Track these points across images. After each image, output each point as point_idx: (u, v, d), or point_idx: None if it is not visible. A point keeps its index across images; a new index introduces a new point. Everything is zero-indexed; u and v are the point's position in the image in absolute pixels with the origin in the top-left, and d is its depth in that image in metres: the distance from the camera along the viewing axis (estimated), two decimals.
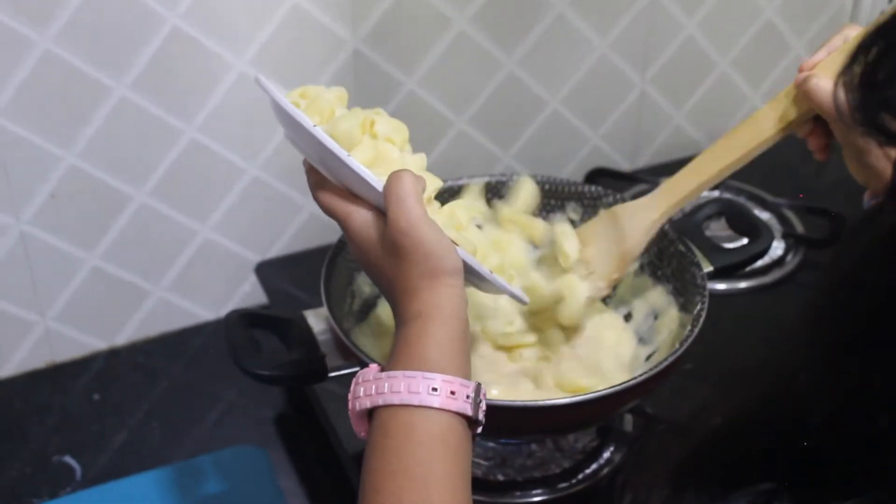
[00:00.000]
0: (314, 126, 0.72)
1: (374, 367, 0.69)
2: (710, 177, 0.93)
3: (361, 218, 0.74)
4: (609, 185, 1.29)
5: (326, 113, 0.78)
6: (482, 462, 0.98)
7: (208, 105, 1.16)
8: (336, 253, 0.99)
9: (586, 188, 1.07)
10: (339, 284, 0.99)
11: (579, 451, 1.00)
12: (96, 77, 1.09)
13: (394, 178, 0.71)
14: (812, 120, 0.89)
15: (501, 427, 0.89)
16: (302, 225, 1.30)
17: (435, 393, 0.66)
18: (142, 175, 1.17)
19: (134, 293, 1.24)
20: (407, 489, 0.63)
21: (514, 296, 0.82)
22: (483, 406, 0.69)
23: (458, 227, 0.79)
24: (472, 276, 0.77)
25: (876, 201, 0.58)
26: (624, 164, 1.48)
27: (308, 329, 0.94)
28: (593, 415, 0.90)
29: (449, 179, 1.08)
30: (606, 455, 1.00)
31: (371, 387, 0.67)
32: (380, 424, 0.66)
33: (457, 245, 0.74)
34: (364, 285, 1.03)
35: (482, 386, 0.69)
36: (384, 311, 1.04)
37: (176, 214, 1.21)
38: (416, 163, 0.80)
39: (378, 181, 0.72)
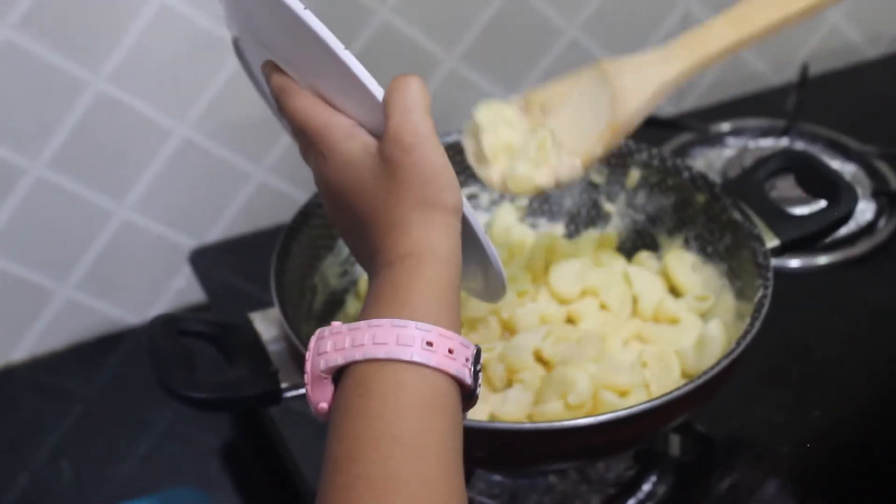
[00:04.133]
0: (305, 9, 0.70)
1: (337, 323, 0.69)
2: (757, 32, 0.88)
3: (345, 129, 0.73)
4: (645, 135, 1.29)
5: None
6: (486, 501, 0.99)
7: (120, 46, 1.15)
8: (290, 235, 0.99)
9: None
10: (296, 277, 0.99)
11: (612, 483, 1.00)
12: None
13: (399, 83, 0.71)
14: None
15: (509, 456, 0.89)
16: (249, 200, 1.30)
17: (430, 349, 0.66)
18: (36, 141, 1.17)
19: (33, 294, 1.24)
20: (398, 458, 0.63)
21: (499, 272, 0.82)
22: (480, 378, 0.69)
23: None
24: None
25: None
26: (666, 107, 1.48)
27: (255, 336, 0.94)
28: (628, 437, 0.90)
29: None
30: (647, 487, 1.00)
31: (344, 339, 0.67)
32: (356, 384, 0.66)
33: None
34: (330, 276, 1.03)
35: (482, 351, 0.70)
36: (355, 308, 1.04)
37: (83, 190, 1.21)
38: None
39: (378, 87, 0.71)
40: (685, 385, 0.85)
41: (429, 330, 0.66)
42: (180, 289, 1.31)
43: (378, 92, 0.71)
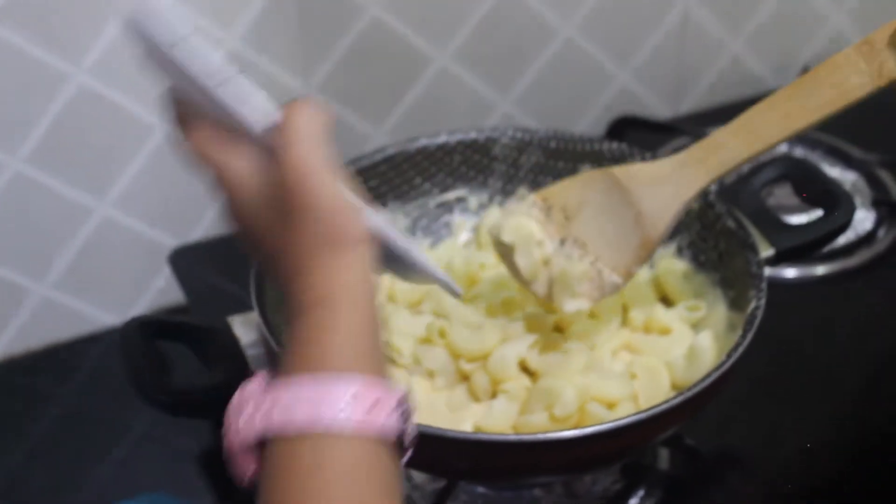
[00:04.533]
0: (184, 38, 0.67)
1: (260, 377, 0.67)
2: (771, 145, 0.92)
3: (242, 168, 0.70)
4: (639, 139, 1.29)
5: None
6: None
7: (102, 39, 1.15)
8: None
9: (606, 146, 1.07)
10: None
11: (598, 497, 1.00)
12: None
13: (290, 111, 0.69)
14: None
15: (492, 468, 0.89)
16: None
17: (354, 404, 0.63)
18: (14, 135, 1.16)
19: (9, 293, 1.23)
20: None
21: (445, 284, 0.81)
22: (414, 420, 0.67)
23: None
24: (388, 256, 0.75)
25: None
26: (662, 110, 1.47)
27: (234, 341, 0.93)
28: (615, 450, 0.89)
29: (423, 137, 1.07)
30: (634, 502, 1.00)
31: (264, 403, 0.64)
32: (280, 455, 0.63)
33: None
34: None
35: (411, 394, 0.67)
36: None
37: (63, 187, 1.20)
38: None
39: (273, 111, 0.69)
40: (674, 398, 0.85)
41: (349, 382, 0.63)
42: (161, 289, 1.30)
43: (270, 121, 0.69)
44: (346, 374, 0.64)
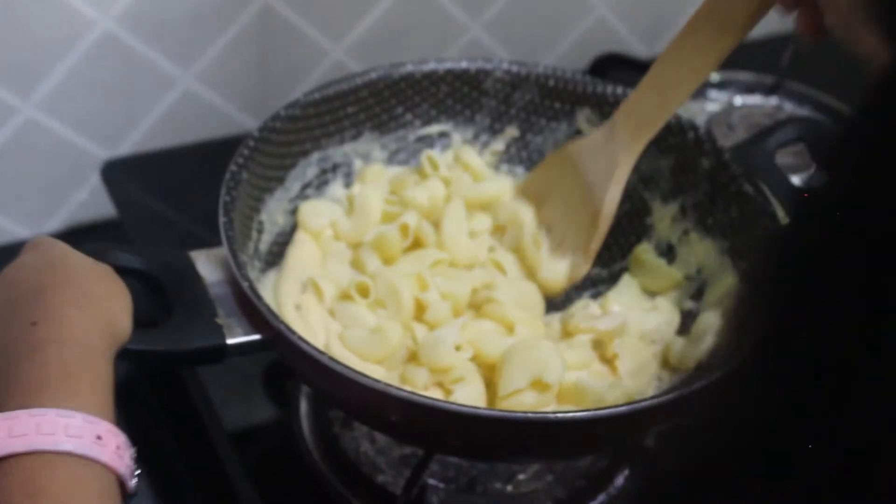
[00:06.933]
0: None
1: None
2: (682, 91, 0.90)
3: None
4: (622, 78, 1.23)
5: None
6: (439, 485, 0.92)
7: None
8: (242, 164, 0.90)
9: (610, 89, 1.01)
10: (241, 213, 0.91)
11: (581, 475, 0.95)
12: None
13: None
14: None
15: (458, 443, 0.82)
16: (172, 108, 1.21)
17: (77, 436, 0.65)
18: None
19: None
20: None
21: None
22: (135, 471, 0.69)
23: None
24: None
25: None
26: (638, 47, 1.42)
27: (197, 279, 0.85)
28: (611, 436, 0.83)
29: (409, 63, 1.00)
30: (620, 482, 0.95)
31: None
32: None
33: None
34: (278, 213, 0.96)
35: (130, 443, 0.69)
36: (302, 250, 0.96)
37: None
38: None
39: None
40: (684, 385, 0.80)
41: (70, 416, 0.65)
42: (82, 202, 1.22)
43: None
44: (65, 409, 0.65)
